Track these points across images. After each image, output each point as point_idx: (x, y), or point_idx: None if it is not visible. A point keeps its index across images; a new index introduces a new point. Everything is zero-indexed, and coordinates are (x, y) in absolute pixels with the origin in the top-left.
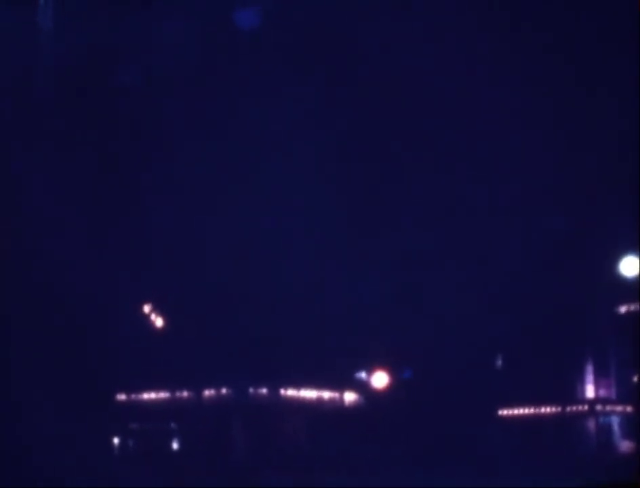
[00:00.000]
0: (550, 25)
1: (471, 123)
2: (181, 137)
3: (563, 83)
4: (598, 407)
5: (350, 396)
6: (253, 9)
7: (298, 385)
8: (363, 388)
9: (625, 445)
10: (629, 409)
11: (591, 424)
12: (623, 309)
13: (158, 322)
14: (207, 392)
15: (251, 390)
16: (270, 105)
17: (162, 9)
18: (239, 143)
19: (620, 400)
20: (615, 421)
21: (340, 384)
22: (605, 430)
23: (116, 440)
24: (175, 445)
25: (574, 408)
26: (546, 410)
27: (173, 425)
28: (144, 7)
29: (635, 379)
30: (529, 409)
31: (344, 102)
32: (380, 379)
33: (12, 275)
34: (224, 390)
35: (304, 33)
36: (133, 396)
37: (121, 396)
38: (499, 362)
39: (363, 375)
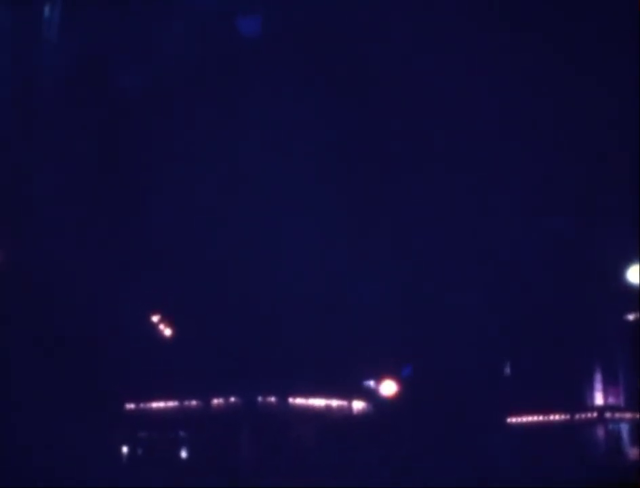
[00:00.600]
0: (551, 25)
1: (473, 126)
2: (186, 146)
3: (564, 84)
4: (607, 415)
5: (358, 405)
6: (255, 16)
7: (307, 393)
8: (372, 396)
9: (634, 452)
10: (638, 416)
11: (600, 432)
12: (631, 317)
13: (167, 331)
14: (216, 401)
15: (259, 398)
16: (271, 107)
17: (165, 16)
18: (242, 147)
19: (629, 407)
20: (624, 429)
21: (348, 392)
22: (614, 437)
23: (125, 449)
24: (183, 453)
25: (583, 415)
26: (554, 417)
27: (182, 433)
28: (147, 14)
29: None
30: (538, 416)
31: (344, 104)
32: (388, 388)
33: (21, 286)
34: (232, 399)
35: (305, 39)
36: (142, 405)
37: (130, 405)
38: (507, 370)
39: (371, 383)
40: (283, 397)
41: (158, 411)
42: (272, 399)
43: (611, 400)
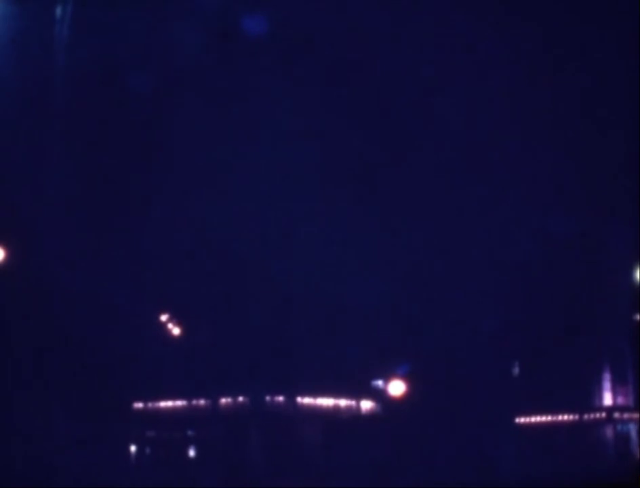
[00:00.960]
0: (553, 27)
1: (478, 127)
2: (195, 145)
3: (568, 85)
4: (616, 415)
5: (366, 404)
6: (260, 16)
7: (315, 393)
8: (380, 396)
9: None
10: None
11: (609, 432)
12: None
13: (176, 331)
14: (224, 400)
15: (267, 398)
16: (274, 107)
17: (172, 17)
18: (245, 146)
19: (638, 407)
20: (633, 429)
21: (356, 392)
22: (623, 438)
23: (133, 448)
24: (192, 452)
25: (591, 416)
26: (563, 418)
27: (190, 433)
28: (154, 16)
29: None
30: (547, 416)
31: (346, 104)
32: (396, 388)
33: (31, 287)
34: (240, 398)
35: (309, 39)
36: (150, 404)
37: (139, 405)
38: (516, 370)
39: (379, 383)
40: (291, 397)
41: (167, 410)
42: (280, 399)
43: (619, 400)
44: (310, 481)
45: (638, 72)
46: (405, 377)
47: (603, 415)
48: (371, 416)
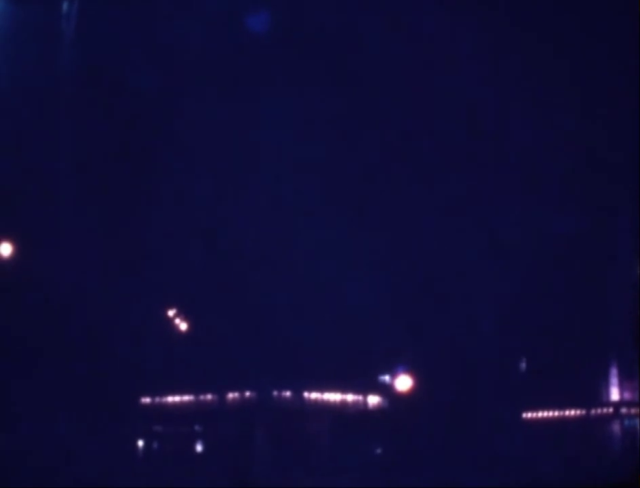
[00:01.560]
0: (554, 28)
1: (481, 126)
2: (200, 141)
3: (571, 85)
4: (623, 410)
5: (373, 399)
6: (265, 13)
7: (322, 388)
8: (387, 391)
9: None
10: None
11: (616, 427)
12: None
13: (183, 326)
14: (231, 395)
15: (275, 393)
16: (277, 108)
17: (176, 15)
18: (251, 149)
19: None
20: None
21: (363, 387)
22: (630, 433)
23: (140, 443)
24: (199, 447)
25: (599, 411)
26: (570, 413)
27: (197, 427)
28: (159, 12)
29: None
30: (553, 411)
31: (349, 105)
32: (403, 383)
33: (38, 283)
34: (247, 393)
35: (313, 38)
36: (157, 399)
37: (146, 400)
38: (523, 366)
39: (386, 378)
40: (298, 391)
41: (174, 405)
42: (288, 393)
43: (626, 395)
44: (318, 476)
45: (639, 72)
46: (411, 373)
47: (610, 410)
48: (378, 411)
